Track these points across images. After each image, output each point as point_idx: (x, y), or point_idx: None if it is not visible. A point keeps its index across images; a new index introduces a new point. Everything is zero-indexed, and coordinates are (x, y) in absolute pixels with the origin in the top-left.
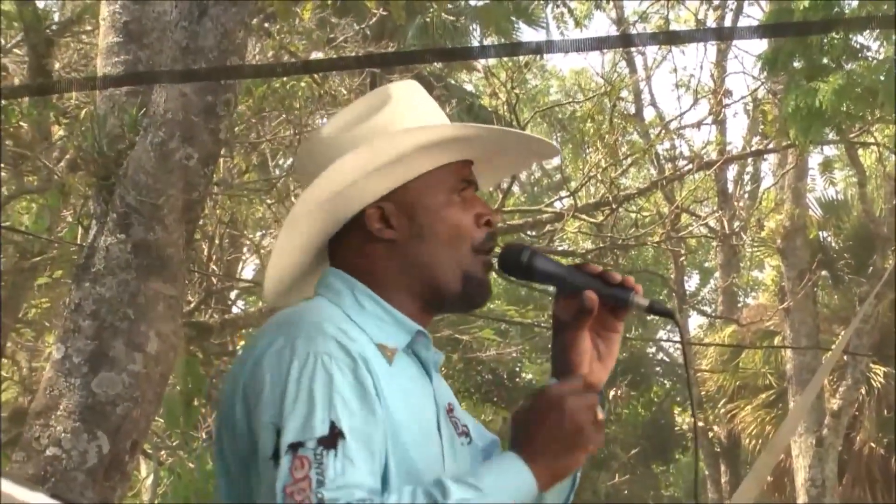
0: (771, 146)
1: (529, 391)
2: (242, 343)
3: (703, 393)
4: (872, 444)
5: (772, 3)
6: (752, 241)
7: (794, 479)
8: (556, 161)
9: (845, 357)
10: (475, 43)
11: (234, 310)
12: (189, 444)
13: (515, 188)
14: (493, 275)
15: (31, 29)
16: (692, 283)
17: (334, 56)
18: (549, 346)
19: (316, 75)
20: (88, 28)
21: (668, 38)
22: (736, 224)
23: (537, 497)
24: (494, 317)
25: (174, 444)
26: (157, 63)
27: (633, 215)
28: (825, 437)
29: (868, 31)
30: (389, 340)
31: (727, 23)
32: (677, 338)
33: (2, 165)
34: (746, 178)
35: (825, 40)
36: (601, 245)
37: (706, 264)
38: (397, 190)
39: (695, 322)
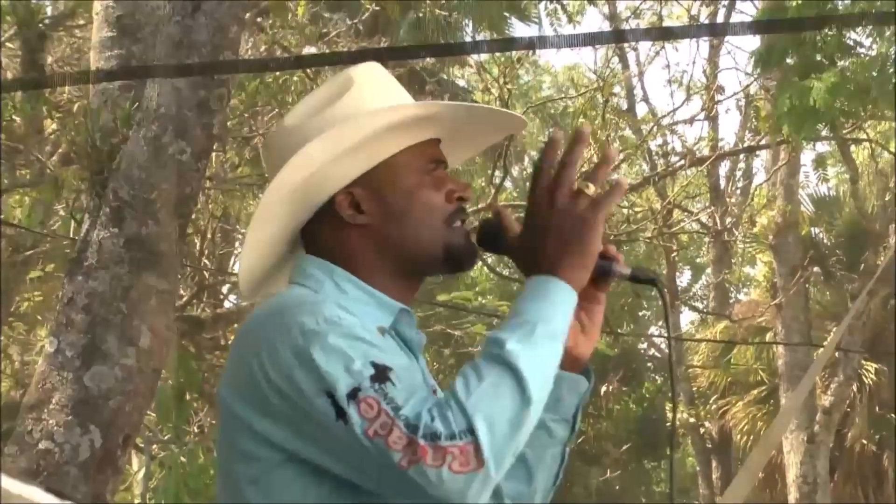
0: (763, 142)
1: None
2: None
3: (694, 389)
4: (864, 441)
5: (765, 0)
6: (744, 237)
7: (785, 476)
8: None
9: (837, 354)
10: (468, 38)
11: (227, 304)
12: (181, 438)
13: (507, 183)
14: (485, 270)
15: (24, 23)
16: (684, 279)
17: (327, 51)
18: None
19: (308, 70)
20: (81, 22)
21: (661, 34)
22: (728, 220)
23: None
24: (486, 312)
25: (166, 437)
26: (151, 58)
27: (626, 211)
28: (817, 434)
29: (861, 27)
30: (374, 321)
31: (720, 19)
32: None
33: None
34: (738, 174)
35: (818, 37)
36: None
37: (698, 260)
38: (366, 174)
39: (686, 318)
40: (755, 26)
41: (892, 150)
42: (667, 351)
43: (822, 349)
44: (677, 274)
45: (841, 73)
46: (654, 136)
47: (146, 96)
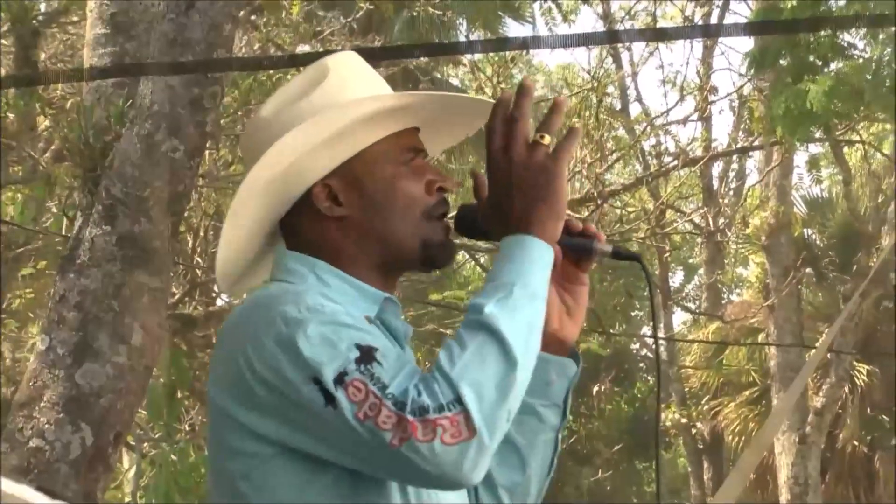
0: (756, 143)
1: None
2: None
3: (686, 389)
4: (855, 443)
5: (759, 1)
6: (736, 237)
7: (776, 477)
8: None
9: (829, 355)
10: (462, 37)
11: (219, 302)
12: (172, 436)
13: None
14: (478, 269)
15: (17, 20)
16: (676, 279)
17: (321, 49)
18: None
19: (302, 68)
20: (75, 19)
21: (655, 34)
22: (721, 221)
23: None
24: None
25: (157, 436)
26: (144, 55)
27: (618, 211)
28: (808, 435)
29: (855, 29)
30: (359, 312)
31: (713, 20)
32: (661, 334)
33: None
34: (732, 174)
35: (812, 39)
36: None
37: (690, 261)
38: (343, 165)
39: (679, 318)
40: (749, 27)
41: (885, 151)
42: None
43: (814, 350)
44: (670, 274)
45: (837, 76)
46: (647, 136)
47: (139, 94)
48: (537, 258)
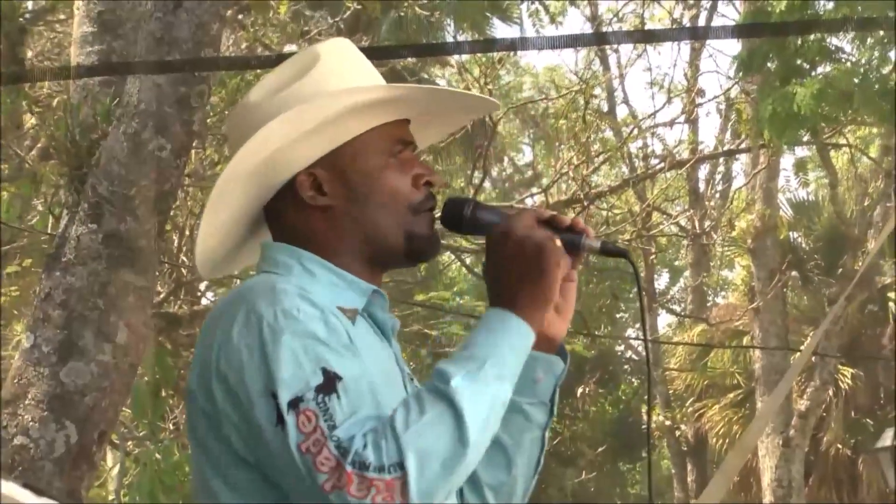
0: (743, 146)
1: None
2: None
3: (670, 392)
4: (839, 446)
5: (747, 4)
6: (722, 240)
7: (760, 480)
8: (528, 157)
9: (813, 358)
10: (449, 38)
11: (204, 301)
12: (156, 434)
13: (487, 184)
14: (463, 270)
15: (4, 17)
16: (662, 281)
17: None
18: None
19: None
20: (62, 17)
21: (643, 36)
22: (707, 223)
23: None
24: (463, 312)
25: (141, 434)
26: (132, 54)
27: (605, 213)
28: (792, 438)
29: (843, 33)
30: (347, 303)
31: (701, 22)
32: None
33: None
34: (718, 177)
35: (800, 42)
36: None
37: (676, 263)
38: (329, 155)
39: (664, 321)
40: (737, 30)
41: (872, 155)
42: (643, 353)
43: (799, 353)
44: (655, 276)
45: (825, 79)
46: (634, 138)
47: (126, 92)
48: (516, 340)
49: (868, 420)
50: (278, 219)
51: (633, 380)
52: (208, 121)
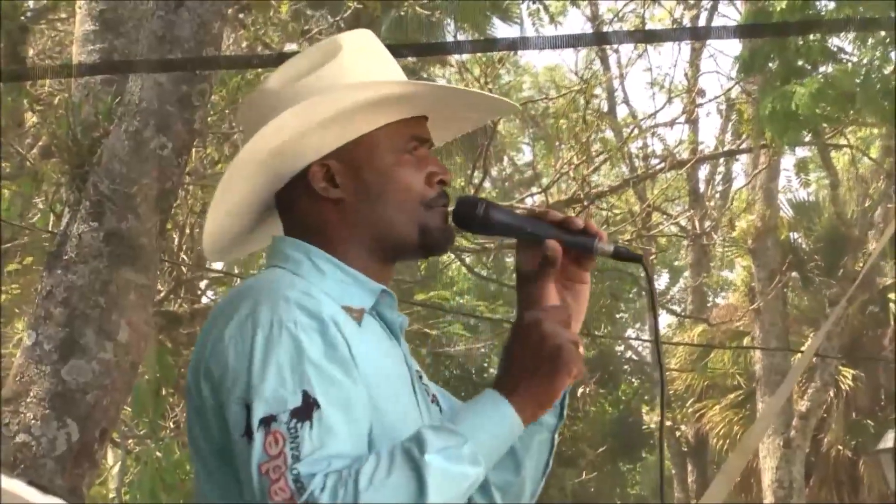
0: (744, 146)
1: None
2: None
3: (671, 392)
4: (840, 447)
5: (748, 4)
6: (722, 240)
7: (760, 481)
8: (527, 157)
9: (814, 359)
10: (450, 37)
11: (204, 300)
12: (157, 433)
13: (487, 184)
14: (463, 270)
15: (5, 15)
16: (662, 281)
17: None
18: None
19: None
20: (63, 16)
21: (644, 36)
22: (707, 224)
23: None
24: (464, 312)
25: (142, 432)
26: (133, 52)
27: (605, 213)
28: (793, 439)
29: (844, 33)
30: (355, 302)
31: (702, 22)
32: (646, 336)
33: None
34: (718, 177)
35: (802, 42)
36: None
37: (676, 263)
38: (344, 147)
39: (664, 321)
40: (738, 30)
41: (873, 156)
42: (643, 353)
43: (800, 354)
44: (655, 277)
45: (824, 79)
46: (634, 138)
47: (128, 91)
48: (502, 430)
49: (869, 421)
50: (290, 208)
51: (633, 380)
52: (209, 119)
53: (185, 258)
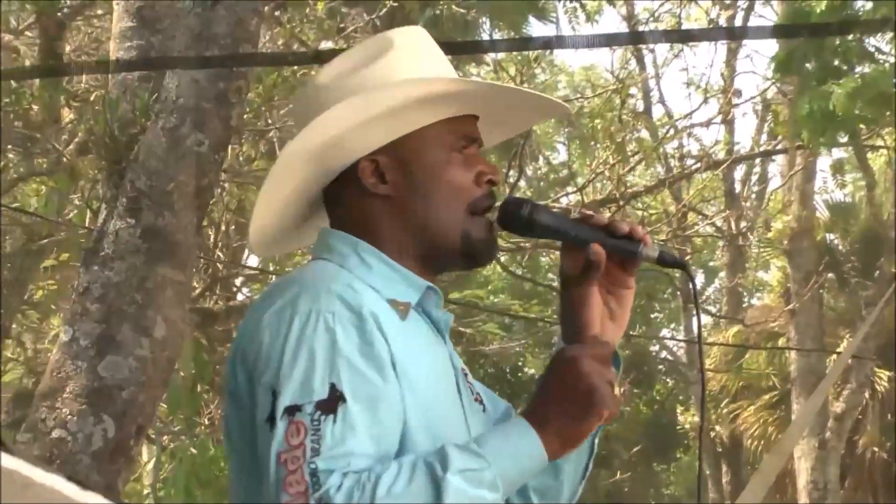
0: (780, 147)
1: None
2: None
3: (706, 392)
4: (875, 449)
5: (785, 4)
6: (758, 241)
7: (795, 482)
8: (563, 156)
9: (850, 360)
10: (485, 36)
11: (240, 297)
12: (192, 429)
13: (522, 182)
14: (498, 269)
15: (43, 11)
16: (697, 282)
17: (344, 46)
18: (559, 339)
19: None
20: (100, 12)
21: (680, 36)
22: (743, 224)
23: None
24: (498, 310)
25: (177, 429)
26: (170, 49)
27: (640, 213)
28: (828, 441)
29: (881, 34)
30: (400, 296)
31: (738, 22)
32: (680, 336)
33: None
34: (754, 178)
35: (838, 42)
36: None
37: (711, 264)
38: (395, 143)
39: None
40: (775, 30)
41: None
42: (678, 354)
43: (836, 356)
44: None
45: (861, 79)
46: (670, 138)
47: (165, 87)
48: (526, 461)
49: None
50: (337, 203)
51: (668, 380)
52: (245, 117)
53: (221, 255)
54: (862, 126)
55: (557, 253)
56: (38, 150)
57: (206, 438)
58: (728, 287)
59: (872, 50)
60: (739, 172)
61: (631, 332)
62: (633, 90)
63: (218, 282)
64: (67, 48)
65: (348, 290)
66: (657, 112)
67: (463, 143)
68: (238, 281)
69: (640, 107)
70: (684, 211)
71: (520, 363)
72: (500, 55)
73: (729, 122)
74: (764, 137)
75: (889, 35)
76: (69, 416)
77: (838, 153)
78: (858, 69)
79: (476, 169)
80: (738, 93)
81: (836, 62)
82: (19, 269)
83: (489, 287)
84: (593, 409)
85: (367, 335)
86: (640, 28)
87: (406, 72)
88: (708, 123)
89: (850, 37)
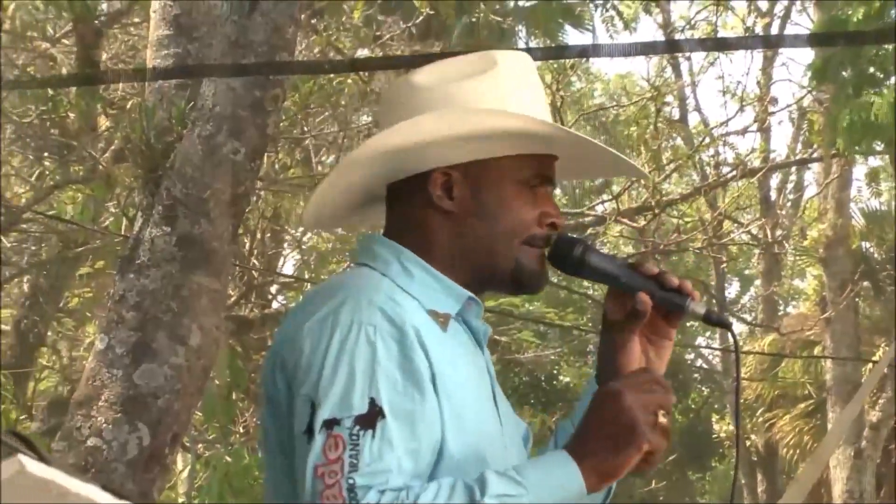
0: (815, 155)
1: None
2: None
3: (741, 401)
4: None
5: (821, 12)
6: (794, 249)
7: (831, 491)
8: None
9: (886, 369)
10: (521, 44)
11: (275, 305)
12: (227, 438)
13: (557, 190)
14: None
15: (80, 19)
16: (732, 290)
17: (381, 54)
18: (594, 348)
19: (362, 73)
20: (137, 20)
21: (716, 44)
22: (778, 232)
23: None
24: (533, 318)
25: (212, 437)
26: (207, 57)
27: (676, 221)
28: (864, 450)
29: None
30: (441, 307)
31: (774, 30)
32: (716, 344)
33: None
34: (790, 186)
35: (875, 51)
36: (642, 250)
37: (746, 272)
38: (471, 162)
39: (734, 330)
40: (812, 39)
41: None
42: (714, 362)
43: (872, 364)
44: (726, 285)
45: None
46: (705, 146)
47: (201, 95)
48: (563, 494)
49: None
50: (397, 203)
51: (703, 388)
52: (281, 125)
53: (257, 263)
54: None
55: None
56: (75, 158)
57: (240, 447)
58: (763, 295)
59: None
60: (775, 180)
61: None
62: (668, 98)
63: (253, 290)
64: (104, 56)
65: (389, 302)
66: (693, 120)
67: (537, 181)
68: (273, 289)
69: (676, 115)
70: (720, 219)
71: (555, 371)
72: (537, 63)
73: (765, 130)
74: (799, 146)
75: None
76: (104, 425)
77: (874, 161)
78: (894, 78)
79: (542, 209)
80: (775, 101)
81: (872, 70)
82: (55, 277)
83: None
84: (631, 447)
85: (408, 350)
86: (676, 36)
87: (504, 98)
88: (744, 131)
89: (887, 45)
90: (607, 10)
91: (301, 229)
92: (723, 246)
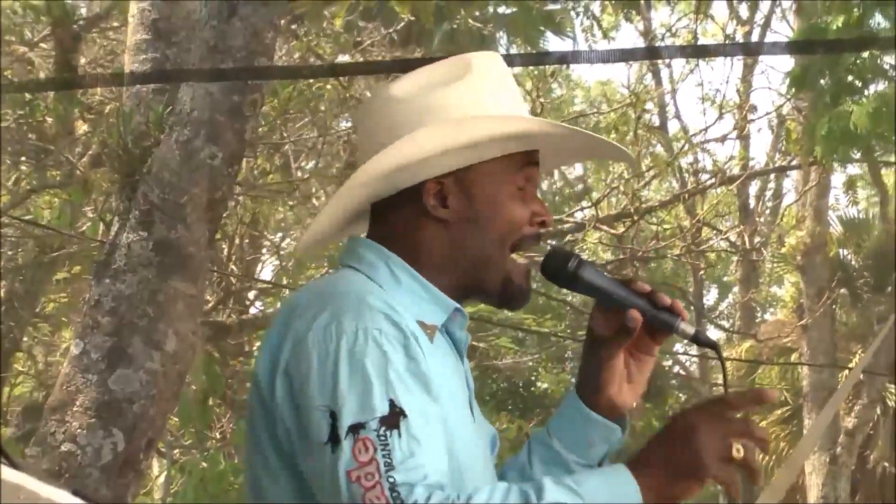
0: (794, 163)
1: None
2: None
3: None
4: (886, 464)
5: (801, 21)
6: (772, 256)
7: (806, 497)
8: (578, 171)
9: (861, 376)
10: (502, 51)
11: (252, 310)
12: (202, 443)
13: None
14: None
15: (58, 23)
16: (710, 297)
17: (361, 59)
18: (572, 354)
19: (342, 78)
20: (115, 24)
21: (696, 51)
22: (756, 239)
23: None
24: (511, 325)
25: (188, 442)
26: (185, 61)
27: (654, 228)
28: (839, 456)
29: None
30: (427, 317)
31: (754, 38)
32: (694, 351)
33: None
34: (768, 193)
35: (854, 60)
36: (621, 256)
37: (725, 279)
38: (462, 168)
39: (712, 336)
40: (791, 46)
41: None
42: (691, 368)
43: (848, 371)
44: (704, 292)
45: (880, 98)
46: (685, 153)
47: (179, 100)
48: (618, 502)
49: None
50: (385, 214)
51: (680, 394)
52: (260, 130)
53: (234, 268)
54: (879, 144)
55: None
56: (52, 163)
57: (216, 452)
58: (741, 302)
59: (887, 67)
60: (754, 188)
61: None
62: (648, 105)
63: (231, 295)
64: (82, 60)
65: (388, 307)
66: (673, 127)
67: (524, 180)
68: (251, 294)
69: (656, 122)
70: (698, 226)
71: (532, 377)
72: (517, 69)
73: (744, 138)
74: (778, 154)
75: None
76: (79, 430)
77: (852, 169)
78: (872, 87)
79: (532, 208)
80: (754, 108)
81: (851, 79)
82: (31, 282)
83: None
84: (695, 475)
85: (412, 352)
86: (657, 43)
87: (483, 100)
88: (723, 139)
89: (865, 54)
90: (588, 19)
91: (280, 235)
92: (701, 253)
